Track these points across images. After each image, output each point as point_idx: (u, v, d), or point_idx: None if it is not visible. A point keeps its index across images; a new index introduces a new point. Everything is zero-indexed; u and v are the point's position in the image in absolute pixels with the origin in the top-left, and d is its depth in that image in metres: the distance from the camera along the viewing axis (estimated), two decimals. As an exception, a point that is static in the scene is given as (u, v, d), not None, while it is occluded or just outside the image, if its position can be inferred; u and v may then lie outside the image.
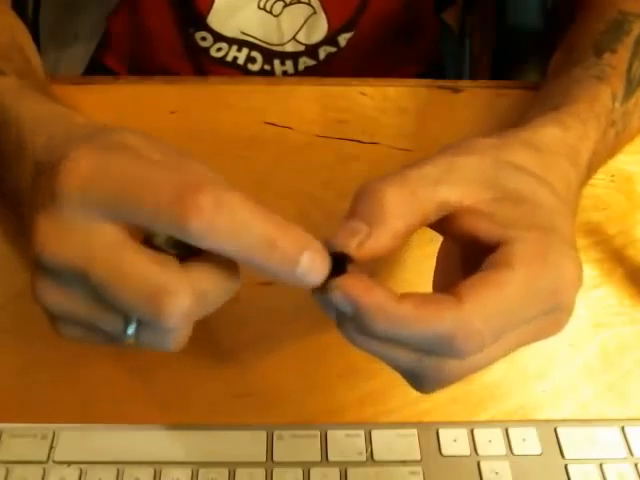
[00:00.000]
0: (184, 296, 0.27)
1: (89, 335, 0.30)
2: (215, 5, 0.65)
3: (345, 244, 0.29)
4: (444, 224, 0.31)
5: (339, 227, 0.29)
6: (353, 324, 0.28)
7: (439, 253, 0.35)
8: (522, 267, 0.28)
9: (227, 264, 0.28)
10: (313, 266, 0.27)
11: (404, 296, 0.28)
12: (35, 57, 0.50)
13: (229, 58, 0.68)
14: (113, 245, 0.27)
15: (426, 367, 0.29)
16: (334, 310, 0.29)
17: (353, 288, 0.27)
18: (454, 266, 0.34)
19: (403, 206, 0.29)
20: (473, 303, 0.27)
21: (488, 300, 0.28)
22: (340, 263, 0.28)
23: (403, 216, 0.29)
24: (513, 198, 0.31)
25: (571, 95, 0.42)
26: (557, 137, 0.36)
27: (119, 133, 0.29)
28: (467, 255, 0.32)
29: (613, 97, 0.43)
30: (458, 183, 0.30)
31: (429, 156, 0.32)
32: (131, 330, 0.28)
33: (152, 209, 0.26)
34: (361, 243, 0.29)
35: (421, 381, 0.31)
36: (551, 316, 0.30)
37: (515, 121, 0.44)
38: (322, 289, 0.28)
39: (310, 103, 0.55)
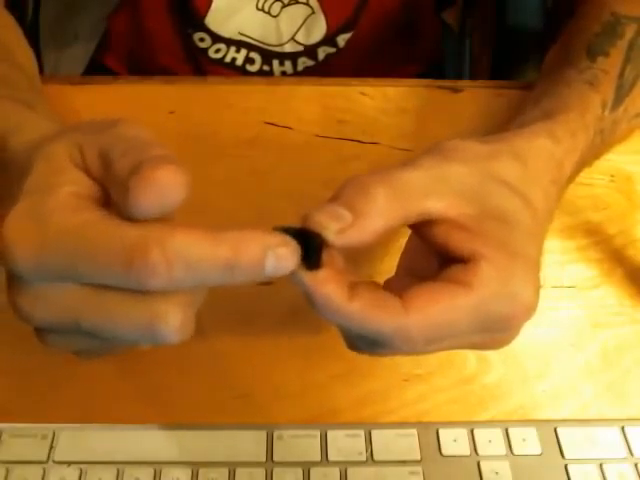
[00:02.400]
0: (174, 315, 0.27)
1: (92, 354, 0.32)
2: (213, 6, 0.65)
3: (326, 225, 0.29)
4: (420, 226, 0.31)
5: (321, 206, 0.29)
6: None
7: (409, 238, 0.36)
8: (480, 289, 0.29)
9: None
10: (280, 264, 0.27)
11: (355, 293, 0.28)
12: (26, 57, 0.50)
13: (228, 59, 0.68)
14: (89, 295, 0.27)
15: (359, 344, 0.31)
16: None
17: (308, 278, 0.28)
18: (421, 250, 0.34)
19: (389, 207, 0.30)
20: (417, 315, 0.28)
21: (432, 316, 0.29)
22: (313, 244, 0.28)
23: (387, 216, 0.30)
24: (494, 215, 0.31)
25: (563, 101, 0.42)
26: (546, 149, 0.37)
27: (42, 169, 0.29)
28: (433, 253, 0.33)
29: (603, 105, 0.43)
30: (445, 195, 0.31)
31: (423, 154, 0.32)
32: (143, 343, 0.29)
33: (106, 274, 0.26)
34: (342, 230, 0.29)
35: (354, 348, 0.32)
36: (494, 335, 0.31)
37: (509, 119, 0.44)
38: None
39: (310, 103, 0.55)
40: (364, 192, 0.30)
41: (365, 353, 0.32)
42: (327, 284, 0.28)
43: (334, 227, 0.29)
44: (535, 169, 0.35)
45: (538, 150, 0.36)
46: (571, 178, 0.40)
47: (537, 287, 0.31)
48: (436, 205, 0.30)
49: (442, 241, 0.31)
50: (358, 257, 0.44)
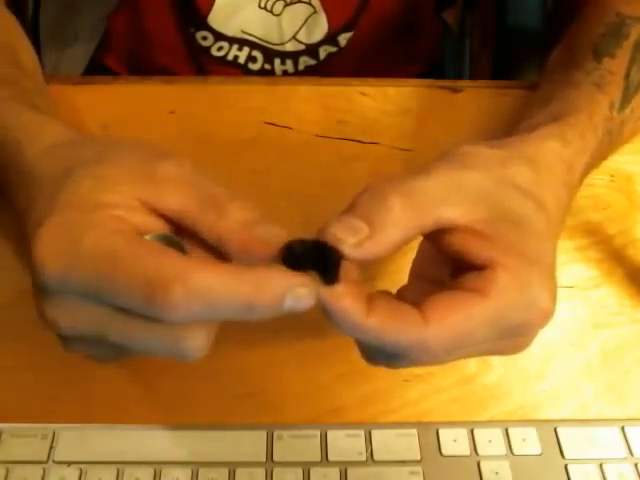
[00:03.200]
0: (199, 334, 0.28)
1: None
2: (216, 4, 0.65)
3: (343, 239, 0.29)
4: (434, 234, 0.31)
5: (337, 219, 0.29)
6: None
7: (420, 244, 0.36)
8: (498, 298, 0.29)
9: None
10: (299, 303, 0.27)
11: (373, 307, 0.28)
12: (29, 57, 0.50)
13: (230, 57, 0.69)
14: (115, 314, 0.28)
15: (378, 357, 0.31)
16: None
17: (324, 293, 0.28)
18: (433, 257, 0.34)
19: (406, 218, 0.30)
20: (436, 326, 0.28)
21: (452, 326, 0.29)
22: (330, 258, 0.28)
23: (404, 227, 0.30)
24: (508, 221, 0.31)
25: (571, 103, 0.42)
26: (556, 152, 0.37)
27: (78, 183, 0.30)
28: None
29: (611, 106, 0.43)
30: (460, 203, 0.31)
31: (436, 161, 0.32)
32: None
33: (129, 303, 0.27)
34: (359, 243, 0.29)
35: (371, 361, 0.32)
36: (511, 341, 0.31)
37: (516, 121, 0.44)
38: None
39: (310, 103, 0.55)
40: (380, 203, 0.30)
41: (383, 366, 0.32)
42: (344, 299, 0.28)
43: (351, 241, 0.29)
44: (546, 173, 0.35)
45: (548, 153, 0.36)
46: (581, 180, 0.40)
47: (554, 293, 0.31)
48: (451, 214, 0.30)
49: (457, 249, 0.31)
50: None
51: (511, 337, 0.31)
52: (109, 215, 0.28)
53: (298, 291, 0.27)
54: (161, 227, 0.30)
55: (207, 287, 0.26)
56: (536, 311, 0.30)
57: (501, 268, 0.29)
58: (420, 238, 0.33)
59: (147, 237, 0.29)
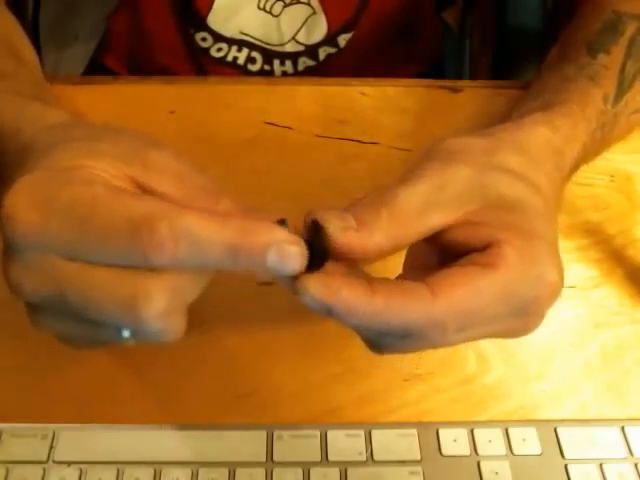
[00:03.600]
0: (158, 297, 0.26)
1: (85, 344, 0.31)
2: (215, 6, 0.65)
3: (329, 220, 0.29)
4: (434, 238, 0.31)
5: (329, 208, 0.29)
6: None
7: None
8: (506, 270, 0.29)
9: None
10: (283, 257, 0.26)
11: (376, 288, 0.28)
12: (29, 53, 0.50)
13: (229, 58, 0.69)
14: (78, 272, 0.27)
15: (386, 342, 0.30)
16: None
17: (321, 291, 0.27)
18: (428, 248, 0.34)
19: (392, 230, 0.30)
20: (445, 299, 0.28)
21: (461, 299, 0.28)
22: (318, 240, 0.28)
23: (389, 237, 0.30)
24: (502, 205, 0.31)
25: (563, 94, 0.42)
26: (545, 137, 0.37)
27: (71, 151, 0.29)
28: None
29: (605, 99, 0.43)
30: (449, 204, 0.31)
31: (422, 160, 0.32)
32: (126, 335, 0.28)
33: (109, 249, 0.26)
34: (345, 229, 0.29)
35: (380, 349, 0.31)
36: (522, 319, 0.31)
37: (507, 113, 0.44)
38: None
39: (310, 103, 0.55)
40: (371, 209, 0.30)
41: (390, 351, 0.31)
42: (342, 289, 0.27)
43: (338, 224, 0.29)
44: (537, 156, 0.35)
45: (537, 138, 0.36)
46: (573, 169, 0.40)
47: (561, 268, 0.30)
48: (441, 217, 0.30)
49: (459, 242, 0.31)
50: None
51: (521, 315, 0.30)
52: (91, 172, 0.28)
53: (283, 246, 0.26)
54: None
55: (193, 228, 0.25)
56: (545, 285, 0.30)
57: (506, 244, 0.29)
58: None
59: None
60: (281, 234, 0.27)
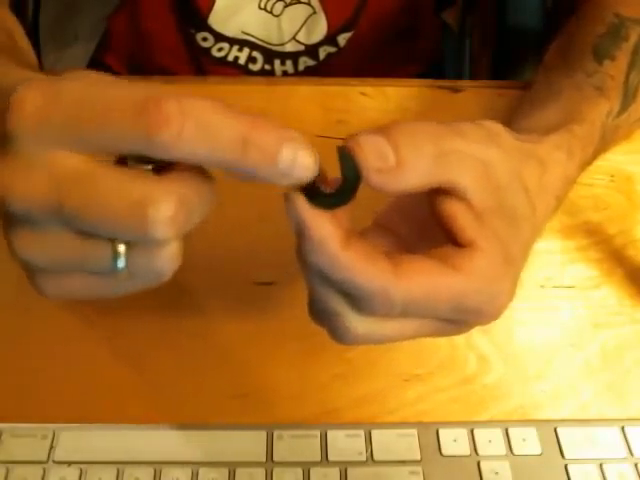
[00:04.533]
0: (167, 202, 0.25)
1: (75, 286, 0.28)
2: (216, 6, 0.65)
3: (364, 155, 0.27)
4: (434, 192, 0.30)
5: (369, 133, 0.28)
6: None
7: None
8: (469, 277, 0.29)
9: (204, 171, 0.27)
10: (296, 160, 0.25)
11: (350, 243, 0.27)
12: (28, 47, 0.50)
13: (230, 58, 0.69)
14: (82, 170, 0.25)
15: (333, 314, 0.29)
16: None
17: (307, 209, 0.27)
18: (406, 212, 0.34)
19: (433, 170, 0.29)
20: (405, 282, 0.28)
21: (419, 287, 0.28)
22: (351, 172, 0.27)
23: (426, 177, 0.29)
24: (508, 216, 0.31)
25: (577, 108, 0.42)
26: (562, 165, 0.37)
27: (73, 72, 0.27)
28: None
29: (609, 113, 0.43)
30: (479, 180, 0.30)
31: (469, 125, 0.32)
32: (121, 261, 0.26)
33: (114, 128, 0.24)
34: (381, 171, 0.28)
35: (320, 306, 0.30)
36: (456, 326, 0.31)
37: (510, 116, 0.44)
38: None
39: (310, 103, 0.55)
40: (414, 144, 0.29)
41: (324, 317, 0.30)
42: (327, 224, 0.27)
43: (375, 164, 0.28)
44: (549, 181, 0.35)
45: (556, 165, 0.36)
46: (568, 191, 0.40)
47: (511, 297, 0.31)
48: (469, 184, 0.30)
49: (448, 215, 0.30)
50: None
51: (457, 322, 0.31)
52: (94, 75, 0.26)
53: (298, 145, 0.25)
54: None
55: (204, 109, 0.24)
56: (495, 305, 0.30)
57: (480, 252, 0.29)
58: None
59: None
60: (297, 137, 0.25)
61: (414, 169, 0.28)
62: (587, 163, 0.41)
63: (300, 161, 0.25)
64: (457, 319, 0.30)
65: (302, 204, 0.27)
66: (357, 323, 0.29)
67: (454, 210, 0.30)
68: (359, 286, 0.28)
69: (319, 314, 0.30)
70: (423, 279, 0.28)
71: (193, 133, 0.24)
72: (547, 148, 0.36)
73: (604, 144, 0.44)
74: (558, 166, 0.36)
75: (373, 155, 0.28)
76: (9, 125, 0.25)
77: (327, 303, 0.29)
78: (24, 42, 0.50)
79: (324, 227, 0.27)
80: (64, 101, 0.25)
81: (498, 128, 0.33)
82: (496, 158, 0.31)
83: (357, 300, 0.28)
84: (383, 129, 0.29)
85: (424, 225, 0.32)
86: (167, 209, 0.25)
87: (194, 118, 0.24)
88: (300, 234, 0.27)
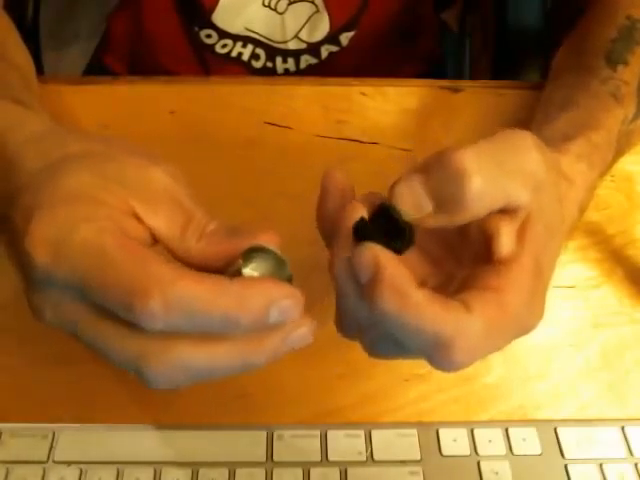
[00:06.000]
0: (160, 361, 0.27)
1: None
2: (220, 3, 0.65)
3: (401, 207, 0.28)
4: None
5: (406, 181, 0.28)
6: (356, 298, 0.28)
7: None
8: (517, 298, 0.28)
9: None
10: (284, 316, 0.27)
11: (419, 291, 0.27)
12: (19, 52, 0.49)
13: (234, 54, 0.69)
14: (88, 314, 0.28)
15: (388, 347, 0.30)
16: (346, 277, 0.28)
17: (382, 256, 0.27)
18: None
19: (488, 196, 0.28)
20: (480, 315, 0.27)
21: (492, 318, 0.28)
22: (397, 225, 0.28)
23: (479, 209, 0.28)
24: (546, 226, 0.30)
25: (595, 117, 0.42)
26: (584, 176, 0.37)
27: (73, 175, 0.29)
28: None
29: (624, 120, 0.44)
30: (526, 187, 0.29)
31: (506, 138, 0.30)
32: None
33: (110, 305, 0.27)
34: (420, 220, 0.28)
35: (378, 353, 0.31)
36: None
37: (516, 120, 0.44)
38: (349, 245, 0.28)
39: (310, 103, 0.55)
40: (455, 185, 0.28)
41: (386, 357, 0.31)
42: (398, 265, 0.27)
43: (413, 213, 0.28)
44: (573, 194, 0.35)
45: (579, 176, 0.37)
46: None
47: (543, 312, 0.30)
48: (522, 196, 0.29)
49: (490, 226, 0.29)
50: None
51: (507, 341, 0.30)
52: (102, 213, 0.28)
53: (283, 303, 0.27)
54: (149, 238, 0.30)
55: (187, 298, 0.26)
56: (531, 321, 0.30)
57: (520, 268, 0.29)
58: None
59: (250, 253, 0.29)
60: (278, 292, 0.27)
61: (457, 212, 0.28)
62: (605, 172, 0.42)
63: (287, 315, 0.27)
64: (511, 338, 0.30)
65: (376, 249, 0.27)
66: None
67: (498, 226, 0.29)
68: (436, 329, 0.27)
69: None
70: (493, 309, 0.28)
71: (180, 322, 0.26)
72: (569, 159, 0.37)
73: (619, 150, 0.44)
74: (580, 177, 0.37)
75: (410, 205, 0.28)
76: (25, 267, 0.29)
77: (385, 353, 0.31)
78: (18, 52, 0.49)
79: (398, 269, 0.27)
80: (68, 263, 0.27)
81: (534, 138, 0.31)
82: (543, 169, 0.30)
83: (436, 354, 0.28)
84: (423, 165, 0.28)
85: (451, 242, 0.32)
86: (158, 369, 0.27)
87: (179, 310, 0.26)
88: (369, 278, 0.27)
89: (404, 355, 0.30)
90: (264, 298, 0.27)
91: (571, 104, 0.44)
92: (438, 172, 0.28)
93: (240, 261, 0.28)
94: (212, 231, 0.30)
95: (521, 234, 0.29)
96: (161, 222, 0.30)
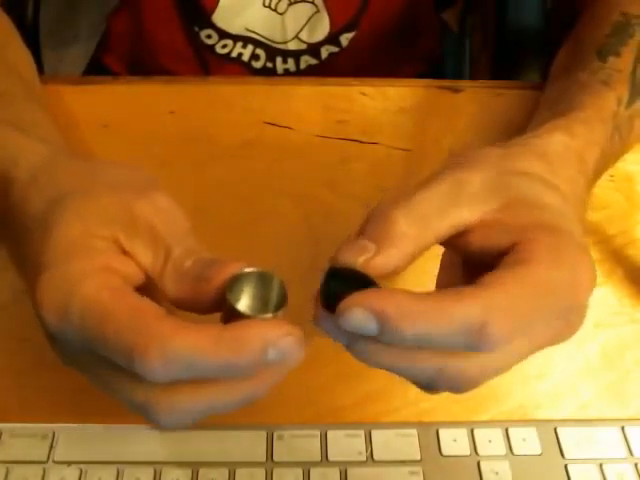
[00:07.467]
0: (166, 409, 0.28)
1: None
2: (220, 3, 0.65)
3: (351, 261, 0.29)
4: (451, 241, 0.31)
5: (345, 244, 0.30)
6: (369, 342, 0.28)
7: (441, 264, 0.35)
8: (540, 264, 0.28)
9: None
10: (283, 355, 0.27)
11: (421, 295, 0.27)
12: (18, 55, 0.49)
13: (234, 54, 0.69)
14: (99, 364, 0.29)
15: (448, 374, 0.30)
16: (344, 333, 0.29)
17: (373, 301, 0.27)
18: (457, 276, 0.34)
19: (411, 231, 0.30)
20: (497, 290, 0.27)
21: (511, 290, 0.27)
22: (350, 281, 0.28)
23: (412, 240, 0.30)
24: (520, 203, 0.31)
25: (578, 101, 0.42)
26: (564, 144, 0.36)
27: (64, 228, 0.30)
28: (470, 268, 0.33)
29: (618, 101, 0.43)
30: (469, 202, 0.31)
31: (439, 170, 0.32)
32: None
33: (114, 359, 0.28)
34: (367, 260, 0.29)
35: (439, 389, 0.31)
36: (566, 319, 0.30)
37: (522, 125, 0.43)
38: (330, 313, 0.28)
39: (310, 103, 0.55)
40: (384, 222, 0.30)
41: (449, 383, 0.31)
42: (394, 296, 0.27)
43: (359, 261, 0.29)
44: (557, 161, 0.35)
45: (555, 145, 0.36)
46: (595, 174, 0.39)
47: (589, 260, 0.30)
48: (458, 216, 0.30)
49: (479, 244, 0.30)
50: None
51: (564, 314, 0.30)
52: (97, 263, 0.29)
53: (280, 343, 0.27)
54: (141, 273, 0.31)
55: (185, 351, 0.27)
56: (578, 277, 0.29)
57: (529, 240, 0.29)
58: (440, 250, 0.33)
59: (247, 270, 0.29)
60: (273, 332, 0.27)
61: (396, 240, 0.30)
62: (606, 147, 0.40)
63: (286, 353, 0.28)
64: (560, 308, 0.29)
65: (364, 299, 0.27)
66: (477, 373, 0.31)
67: (477, 238, 0.31)
68: (463, 319, 0.27)
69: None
70: (510, 282, 0.28)
71: (179, 372, 0.27)
72: (540, 137, 0.36)
73: (623, 135, 0.43)
74: (560, 145, 0.36)
75: (354, 255, 0.29)
76: (41, 322, 0.30)
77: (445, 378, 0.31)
78: (18, 52, 0.49)
79: (394, 297, 0.27)
80: (72, 324, 0.28)
81: (466, 152, 0.34)
82: (476, 175, 0.31)
83: (476, 341, 0.27)
84: (359, 230, 0.31)
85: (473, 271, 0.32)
86: (165, 415, 0.29)
87: (177, 363, 0.27)
88: (379, 325, 0.27)
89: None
90: (260, 341, 0.27)
91: (557, 100, 0.44)
92: (370, 220, 0.31)
93: (227, 296, 0.28)
94: (186, 271, 0.30)
95: (505, 226, 0.30)
96: (148, 260, 0.30)
